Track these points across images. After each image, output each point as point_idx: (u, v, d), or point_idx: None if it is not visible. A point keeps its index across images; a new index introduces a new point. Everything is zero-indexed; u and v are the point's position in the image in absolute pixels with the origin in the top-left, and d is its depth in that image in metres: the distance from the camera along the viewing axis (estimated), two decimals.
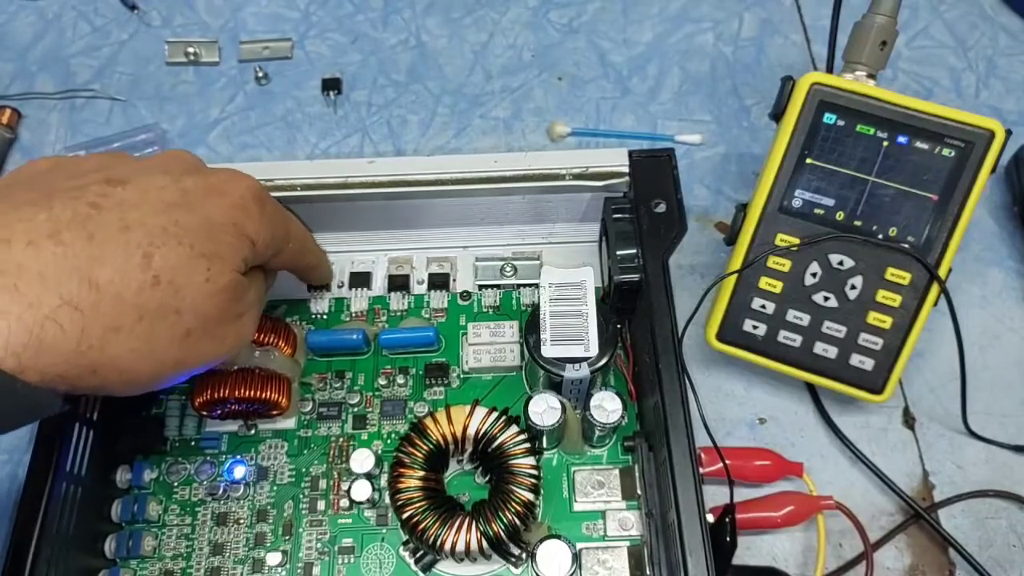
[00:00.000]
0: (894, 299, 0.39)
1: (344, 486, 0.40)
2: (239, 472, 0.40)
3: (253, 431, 0.42)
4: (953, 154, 0.38)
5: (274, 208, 0.35)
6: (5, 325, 0.25)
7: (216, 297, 0.31)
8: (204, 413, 0.40)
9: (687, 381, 0.35)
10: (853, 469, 0.43)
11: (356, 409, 0.42)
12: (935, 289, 0.39)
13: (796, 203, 0.40)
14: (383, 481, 0.40)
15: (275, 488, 0.41)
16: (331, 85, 0.55)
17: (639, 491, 0.38)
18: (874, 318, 0.39)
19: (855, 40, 0.41)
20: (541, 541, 0.37)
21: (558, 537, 0.37)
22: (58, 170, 0.32)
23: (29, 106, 0.55)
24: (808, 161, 0.40)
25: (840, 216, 0.40)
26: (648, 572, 0.36)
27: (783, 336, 0.41)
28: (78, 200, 0.28)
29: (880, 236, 0.39)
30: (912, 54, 0.55)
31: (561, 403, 0.38)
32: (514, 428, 0.37)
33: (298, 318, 0.45)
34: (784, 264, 0.40)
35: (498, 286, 0.45)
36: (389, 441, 0.42)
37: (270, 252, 0.35)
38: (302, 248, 0.39)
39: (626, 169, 0.41)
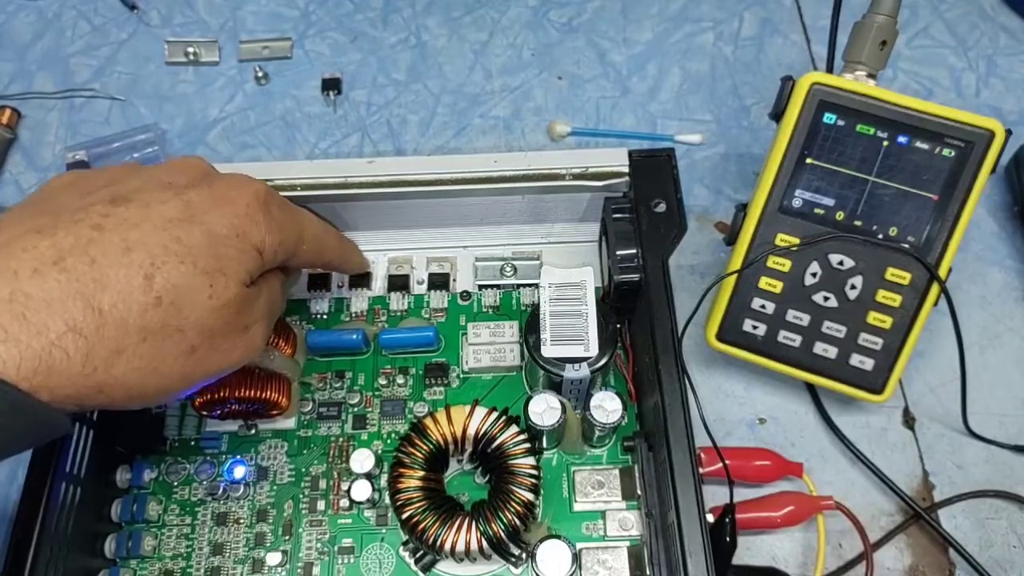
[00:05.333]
0: (894, 299, 0.39)
1: (344, 486, 0.40)
2: (239, 472, 0.40)
3: (253, 431, 0.42)
4: (953, 154, 0.38)
5: (282, 212, 0.35)
6: (16, 352, 0.26)
7: (220, 312, 0.31)
8: (204, 413, 0.40)
9: (687, 381, 0.35)
10: (853, 469, 0.43)
11: (356, 409, 0.42)
12: (935, 289, 0.39)
13: (796, 203, 0.40)
14: (383, 481, 0.40)
15: (275, 488, 0.41)
16: (331, 85, 0.55)
17: (639, 491, 0.38)
18: (874, 318, 0.39)
19: (855, 40, 0.41)
20: (541, 541, 0.37)
21: (558, 537, 0.37)
22: (73, 187, 0.32)
23: (28, 106, 0.55)
24: (808, 161, 0.40)
25: (840, 216, 0.40)
26: (648, 572, 0.36)
27: (783, 336, 0.41)
28: (81, 223, 0.29)
29: (880, 236, 0.39)
30: (912, 54, 0.55)
31: (561, 403, 0.38)
32: (514, 428, 0.37)
33: (298, 318, 0.45)
34: (784, 264, 0.40)
35: (498, 286, 0.45)
36: (389, 441, 0.42)
37: (280, 257, 0.35)
38: (319, 248, 0.38)
39: (626, 169, 0.41)
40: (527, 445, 0.37)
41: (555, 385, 0.39)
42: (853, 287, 0.39)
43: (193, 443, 0.42)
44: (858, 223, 0.39)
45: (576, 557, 0.37)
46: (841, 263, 0.40)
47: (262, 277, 0.34)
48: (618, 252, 0.39)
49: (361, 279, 0.46)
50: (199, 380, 0.32)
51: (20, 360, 0.26)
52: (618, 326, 0.40)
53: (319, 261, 0.40)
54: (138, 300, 0.28)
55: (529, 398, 0.38)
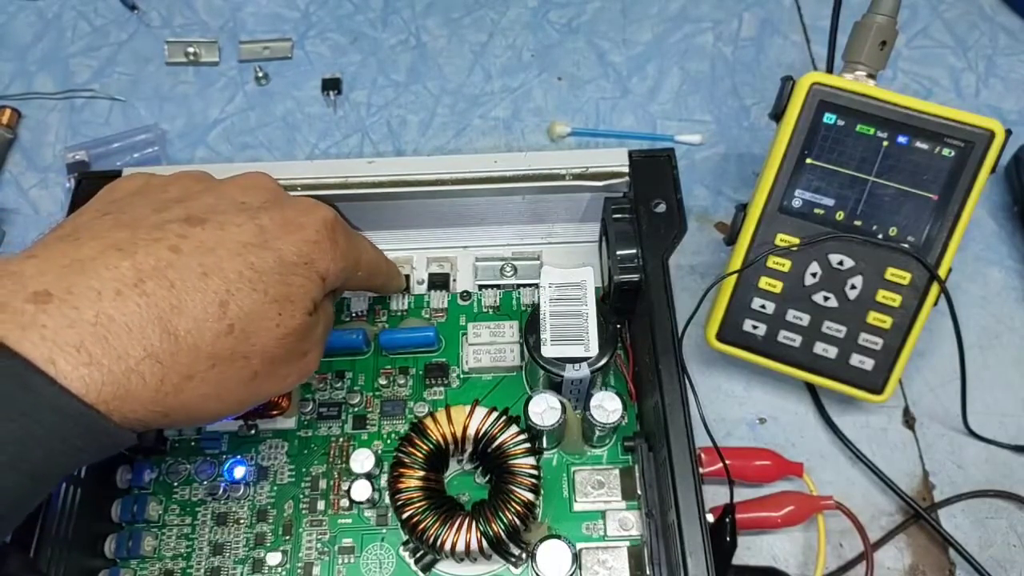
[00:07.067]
0: (894, 299, 0.39)
1: (344, 486, 0.40)
2: (239, 472, 0.40)
3: (253, 431, 0.42)
4: (953, 154, 0.38)
5: (346, 240, 0.35)
6: (100, 377, 0.26)
7: (284, 340, 0.31)
8: None
9: (687, 381, 0.35)
10: (853, 469, 0.43)
11: (356, 409, 0.42)
12: (935, 289, 0.39)
13: (796, 203, 0.40)
14: (383, 481, 0.40)
15: (275, 488, 0.41)
16: (331, 85, 0.55)
17: (639, 491, 0.38)
18: (874, 318, 0.39)
19: (855, 40, 0.41)
20: (541, 541, 0.37)
21: (558, 537, 0.37)
22: (143, 196, 0.32)
23: (29, 106, 0.55)
24: (808, 161, 0.40)
25: (840, 216, 0.40)
26: (648, 572, 0.36)
27: (783, 336, 0.41)
28: (160, 243, 0.29)
29: (880, 236, 0.39)
30: (912, 54, 0.56)
31: (561, 403, 0.38)
32: (514, 428, 0.37)
33: None
34: (784, 264, 0.40)
35: (498, 286, 0.45)
36: (389, 441, 0.42)
37: (339, 283, 0.35)
38: (372, 273, 0.39)
39: (626, 169, 0.41)
40: (527, 445, 0.37)
41: (555, 385, 0.39)
42: (853, 287, 0.39)
43: (193, 443, 0.42)
44: (858, 223, 0.39)
45: (576, 557, 0.37)
46: (841, 263, 0.40)
47: (320, 302, 0.34)
48: (618, 252, 0.39)
49: None
50: (253, 404, 0.32)
51: (102, 385, 0.26)
52: (618, 326, 0.40)
53: (368, 285, 0.40)
54: (211, 327, 0.29)
55: (529, 398, 0.38)
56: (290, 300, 0.31)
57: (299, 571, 0.39)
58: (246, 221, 0.31)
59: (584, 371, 0.38)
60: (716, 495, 0.40)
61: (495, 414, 0.38)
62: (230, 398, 0.31)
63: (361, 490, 0.39)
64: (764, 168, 0.41)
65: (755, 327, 0.41)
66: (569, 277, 0.40)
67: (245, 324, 0.29)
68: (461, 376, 0.43)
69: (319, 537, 0.39)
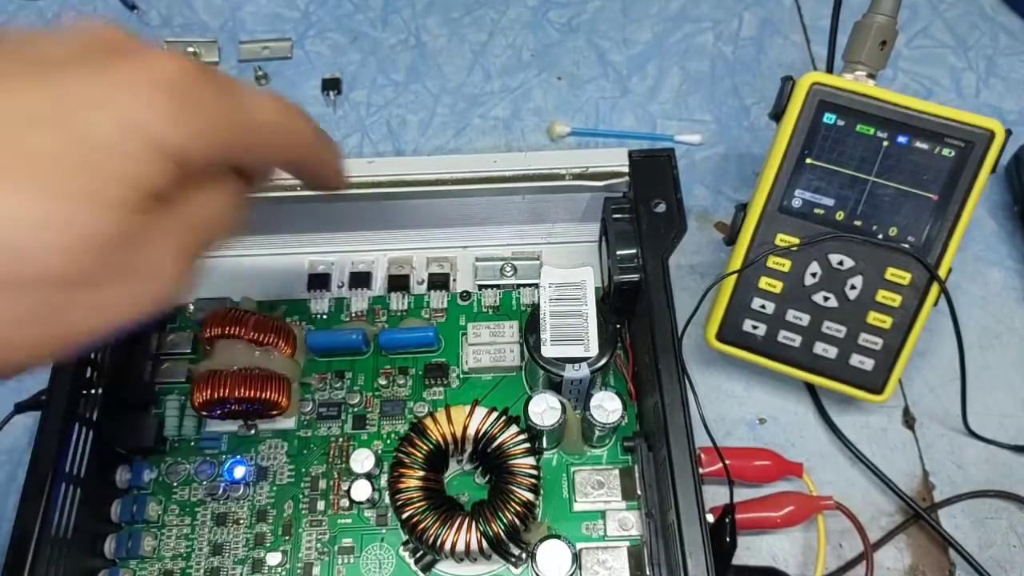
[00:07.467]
0: (894, 299, 0.39)
1: (344, 486, 0.40)
2: (239, 472, 0.40)
3: (253, 431, 0.42)
4: (953, 154, 0.38)
5: (214, 96, 0.24)
6: None
7: (85, 255, 0.21)
8: (204, 413, 0.40)
9: (687, 381, 0.35)
10: (853, 469, 0.43)
11: (356, 409, 0.42)
12: (935, 289, 0.39)
13: (796, 203, 0.40)
14: (383, 481, 0.40)
15: (275, 488, 0.41)
16: (330, 85, 0.55)
17: (639, 491, 0.38)
18: (874, 318, 0.39)
19: (855, 40, 0.41)
20: (541, 541, 0.37)
21: (558, 537, 0.37)
22: None
23: None
24: (808, 161, 0.40)
25: (840, 216, 0.40)
26: (648, 572, 0.36)
27: (783, 336, 0.41)
28: None
29: (880, 236, 0.39)
30: (912, 54, 0.55)
31: (561, 403, 0.38)
32: (514, 428, 0.37)
33: (298, 318, 0.45)
34: (784, 264, 0.40)
35: (498, 286, 0.45)
36: (389, 441, 0.42)
37: (211, 154, 0.24)
38: (281, 140, 0.27)
39: (626, 169, 0.41)
40: (527, 445, 0.37)
41: (555, 385, 0.39)
42: (853, 287, 0.39)
43: (193, 443, 0.42)
44: (858, 223, 0.39)
45: (576, 557, 0.37)
46: (841, 263, 0.40)
47: (184, 188, 0.24)
48: (618, 252, 0.39)
49: (361, 279, 0.46)
50: (71, 346, 0.23)
51: None
52: (618, 326, 0.40)
53: (281, 158, 0.28)
54: None
55: (529, 398, 0.38)
56: (94, 196, 0.21)
57: (299, 571, 0.39)
58: (37, 87, 0.21)
59: (584, 371, 0.38)
60: (716, 495, 0.40)
61: (495, 414, 0.38)
62: (15, 341, 0.22)
63: (361, 490, 0.39)
64: (764, 168, 0.41)
65: (755, 327, 0.41)
66: (569, 277, 0.40)
67: (13, 238, 0.20)
68: (461, 376, 0.43)
69: (319, 537, 0.39)
